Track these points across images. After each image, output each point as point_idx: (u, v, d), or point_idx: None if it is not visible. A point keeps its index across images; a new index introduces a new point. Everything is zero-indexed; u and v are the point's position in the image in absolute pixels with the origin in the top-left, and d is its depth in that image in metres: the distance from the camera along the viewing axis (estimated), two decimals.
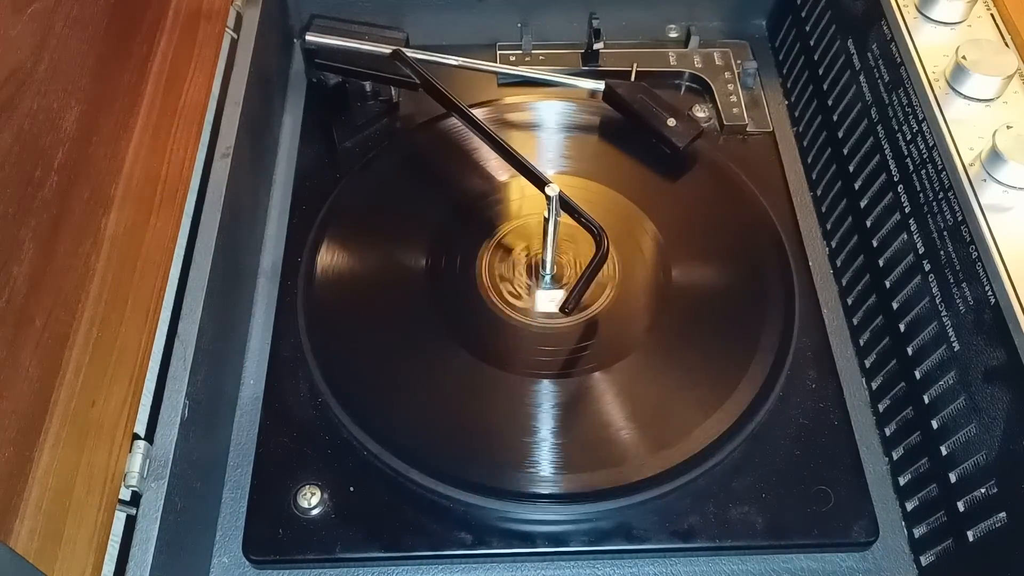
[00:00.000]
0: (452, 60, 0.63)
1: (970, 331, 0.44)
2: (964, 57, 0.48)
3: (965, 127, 0.47)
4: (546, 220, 0.51)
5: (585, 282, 0.51)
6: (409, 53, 0.62)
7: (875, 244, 0.53)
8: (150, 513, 0.41)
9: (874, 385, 0.53)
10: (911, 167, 0.50)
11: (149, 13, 0.68)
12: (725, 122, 0.64)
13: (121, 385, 0.53)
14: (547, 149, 0.62)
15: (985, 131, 0.46)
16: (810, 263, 0.58)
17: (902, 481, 0.49)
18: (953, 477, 0.44)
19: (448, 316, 0.53)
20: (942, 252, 0.46)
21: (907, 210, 0.50)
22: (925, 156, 0.49)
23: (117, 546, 0.40)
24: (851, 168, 0.57)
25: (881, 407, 0.52)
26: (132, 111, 0.64)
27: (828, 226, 0.60)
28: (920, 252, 0.48)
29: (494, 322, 0.53)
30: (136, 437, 0.43)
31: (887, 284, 0.51)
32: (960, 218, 0.45)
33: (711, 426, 0.48)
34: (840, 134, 0.59)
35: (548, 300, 0.54)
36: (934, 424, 0.46)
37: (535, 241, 0.56)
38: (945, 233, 0.46)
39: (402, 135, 0.63)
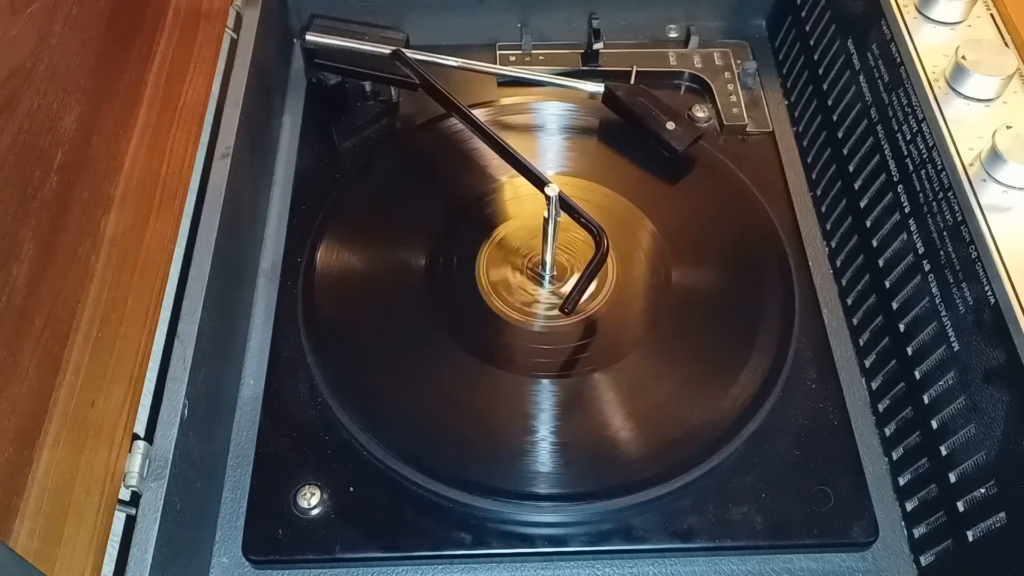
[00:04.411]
0: (452, 61, 0.63)
1: (970, 331, 0.44)
2: (964, 57, 0.48)
3: (965, 127, 0.47)
4: (546, 220, 0.51)
5: (585, 282, 0.51)
6: (409, 53, 0.62)
7: (875, 244, 0.53)
8: (150, 513, 0.41)
9: (874, 385, 0.53)
10: (911, 167, 0.50)
11: (149, 13, 0.68)
12: (725, 122, 0.64)
13: (121, 385, 0.52)
14: (547, 150, 0.62)
15: (985, 131, 0.46)
16: (810, 263, 0.58)
17: (902, 481, 0.49)
18: (953, 477, 0.44)
19: (448, 316, 0.53)
20: (942, 252, 0.46)
21: (907, 210, 0.50)
22: (925, 156, 0.49)
23: (117, 546, 0.40)
24: (851, 168, 0.57)
25: (881, 407, 0.52)
26: (132, 111, 0.64)
27: (828, 226, 0.60)
28: (920, 252, 0.48)
29: (494, 322, 0.53)
30: (136, 437, 0.43)
31: (887, 284, 0.51)
32: (960, 218, 0.45)
33: (711, 426, 0.48)
34: (840, 134, 0.59)
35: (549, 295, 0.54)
36: (934, 424, 0.46)
37: (535, 241, 0.56)
38: (945, 233, 0.46)
39: (402, 135, 0.63)
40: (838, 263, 0.58)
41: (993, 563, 0.41)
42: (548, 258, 0.54)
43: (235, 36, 0.60)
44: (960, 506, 0.44)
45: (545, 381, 0.50)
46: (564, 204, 0.53)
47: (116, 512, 0.41)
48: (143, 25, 0.67)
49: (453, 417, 0.49)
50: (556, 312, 0.52)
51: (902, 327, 0.50)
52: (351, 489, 0.47)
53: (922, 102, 0.49)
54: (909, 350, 0.49)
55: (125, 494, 0.41)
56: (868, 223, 0.54)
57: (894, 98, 0.52)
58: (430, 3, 0.69)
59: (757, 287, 0.54)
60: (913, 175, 0.50)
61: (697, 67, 0.68)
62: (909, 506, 0.48)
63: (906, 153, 0.50)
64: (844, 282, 0.57)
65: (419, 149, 0.62)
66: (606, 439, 0.48)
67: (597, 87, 0.62)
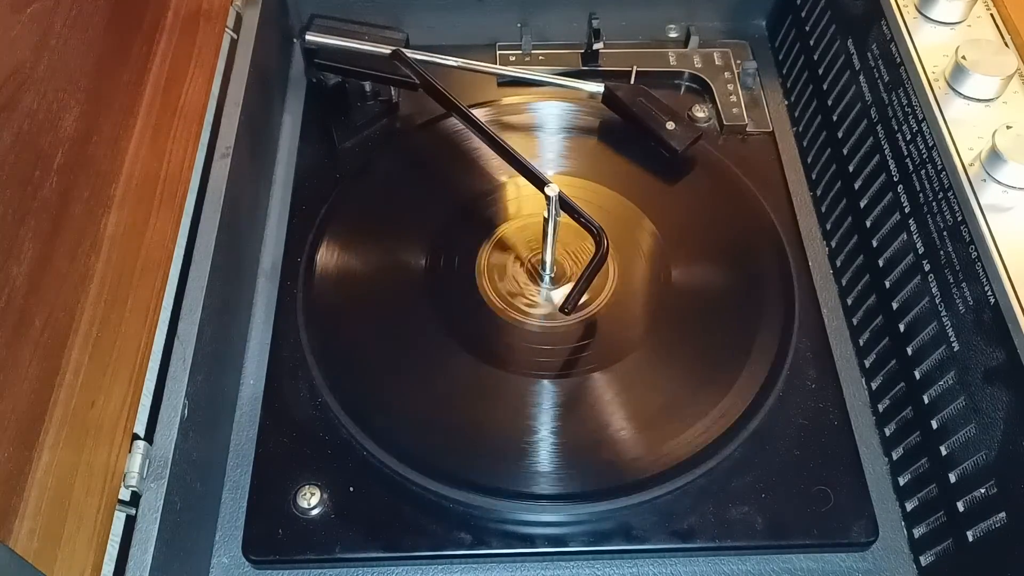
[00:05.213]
0: (452, 61, 0.63)
1: (970, 331, 0.44)
2: (964, 57, 0.48)
3: (965, 127, 0.47)
4: (546, 220, 0.51)
5: (585, 282, 0.51)
6: (409, 53, 0.62)
7: (875, 244, 0.53)
8: (150, 513, 0.41)
9: (874, 385, 0.53)
10: (911, 167, 0.50)
11: (149, 13, 0.68)
12: (725, 122, 0.64)
13: (121, 385, 0.53)
14: (547, 150, 0.62)
15: (985, 131, 0.46)
16: (810, 263, 0.58)
17: (902, 481, 0.49)
18: (953, 477, 0.44)
19: (448, 316, 0.53)
20: (942, 252, 0.46)
21: (907, 210, 0.50)
22: (925, 156, 0.49)
23: (117, 546, 0.40)
24: (851, 168, 0.57)
25: (881, 407, 0.52)
26: (132, 111, 0.64)
27: (828, 226, 0.60)
28: (920, 252, 0.48)
29: (494, 322, 0.53)
30: (136, 437, 0.43)
31: (887, 284, 0.51)
32: (960, 218, 0.45)
33: (711, 426, 0.48)
34: (840, 134, 0.59)
35: (548, 299, 0.54)
36: (934, 424, 0.46)
37: (535, 241, 0.56)
38: (945, 233, 0.46)
39: (402, 135, 0.63)
40: (838, 263, 0.58)
41: (993, 563, 0.41)
42: (548, 258, 0.54)
43: (235, 36, 0.60)
44: (960, 506, 0.44)
45: (545, 381, 0.50)
46: (564, 204, 0.53)
47: (116, 512, 0.41)
48: (143, 25, 0.67)
49: (453, 417, 0.49)
50: (556, 312, 0.52)
51: (902, 327, 0.50)
52: (351, 489, 0.47)
53: (922, 102, 0.49)
54: (909, 350, 0.49)
55: (125, 494, 0.41)
56: (868, 223, 0.54)
57: (894, 98, 0.52)
58: (430, 3, 0.69)
59: (757, 287, 0.54)
60: (913, 175, 0.50)
61: (697, 67, 0.68)
62: (909, 506, 0.48)
63: (906, 153, 0.50)
64: (844, 282, 0.57)
65: (419, 149, 0.62)
66: (606, 439, 0.48)
67: (597, 87, 0.62)
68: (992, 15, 0.53)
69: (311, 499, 0.47)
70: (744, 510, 0.47)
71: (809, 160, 0.64)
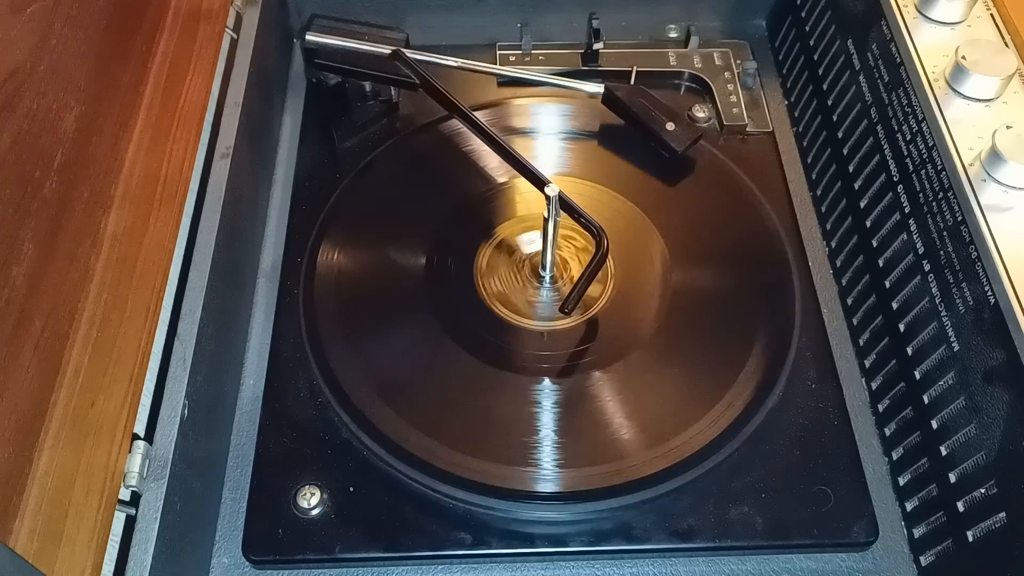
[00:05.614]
0: (452, 61, 0.63)
1: (970, 331, 0.44)
2: (964, 57, 0.48)
3: (965, 127, 0.47)
4: (546, 220, 0.51)
5: (585, 282, 0.51)
6: (409, 53, 0.62)
7: (875, 244, 0.53)
8: (150, 513, 0.41)
9: (874, 385, 0.53)
10: (911, 167, 0.50)
11: (149, 13, 0.68)
12: (725, 122, 0.64)
13: (121, 385, 0.52)
14: (547, 150, 0.62)
15: (985, 131, 0.46)
16: (810, 263, 0.58)
17: (902, 481, 0.49)
18: (953, 477, 0.44)
19: (448, 316, 0.53)
20: (942, 252, 0.46)
21: (907, 210, 0.50)
22: (925, 156, 0.49)
23: (117, 546, 0.40)
24: (851, 168, 0.57)
25: (881, 407, 0.52)
26: (132, 111, 0.64)
27: (828, 226, 0.60)
28: (920, 252, 0.48)
29: (494, 322, 0.53)
30: (136, 437, 0.43)
31: (887, 284, 0.51)
32: (960, 218, 0.45)
33: (711, 426, 0.48)
34: (840, 134, 0.59)
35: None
36: (934, 424, 0.46)
37: (535, 241, 0.56)
38: (945, 233, 0.46)
39: (402, 136, 0.63)
40: (838, 263, 0.58)
41: (993, 563, 0.41)
42: (548, 258, 0.54)
43: (235, 36, 0.60)
44: (960, 506, 0.44)
45: (545, 380, 0.50)
46: (564, 204, 0.53)
47: (116, 512, 0.41)
48: (143, 25, 0.67)
49: (453, 417, 0.49)
50: (556, 312, 0.52)
51: (902, 327, 0.50)
52: (351, 489, 0.48)
53: (922, 102, 0.49)
54: (909, 350, 0.49)
55: (125, 494, 0.41)
56: (868, 223, 0.54)
57: (894, 98, 0.52)
58: (430, 3, 0.69)
59: (757, 287, 0.54)
60: (913, 175, 0.50)
61: (697, 67, 0.68)
62: (909, 506, 0.48)
63: (906, 153, 0.50)
64: (844, 282, 0.57)
65: (419, 149, 0.62)
66: (606, 438, 0.48)
67: (597, 87, 0.62)
68: (992, 15, 0.53)
69: (311, 499, 0.47)
70: (744, 510, 0.47)
71: (809, 160, 0.64)
